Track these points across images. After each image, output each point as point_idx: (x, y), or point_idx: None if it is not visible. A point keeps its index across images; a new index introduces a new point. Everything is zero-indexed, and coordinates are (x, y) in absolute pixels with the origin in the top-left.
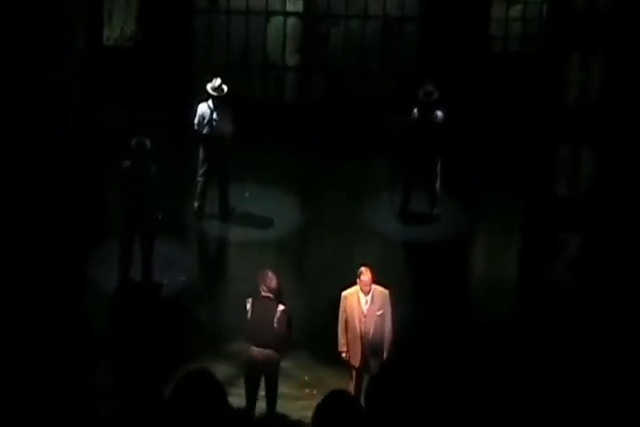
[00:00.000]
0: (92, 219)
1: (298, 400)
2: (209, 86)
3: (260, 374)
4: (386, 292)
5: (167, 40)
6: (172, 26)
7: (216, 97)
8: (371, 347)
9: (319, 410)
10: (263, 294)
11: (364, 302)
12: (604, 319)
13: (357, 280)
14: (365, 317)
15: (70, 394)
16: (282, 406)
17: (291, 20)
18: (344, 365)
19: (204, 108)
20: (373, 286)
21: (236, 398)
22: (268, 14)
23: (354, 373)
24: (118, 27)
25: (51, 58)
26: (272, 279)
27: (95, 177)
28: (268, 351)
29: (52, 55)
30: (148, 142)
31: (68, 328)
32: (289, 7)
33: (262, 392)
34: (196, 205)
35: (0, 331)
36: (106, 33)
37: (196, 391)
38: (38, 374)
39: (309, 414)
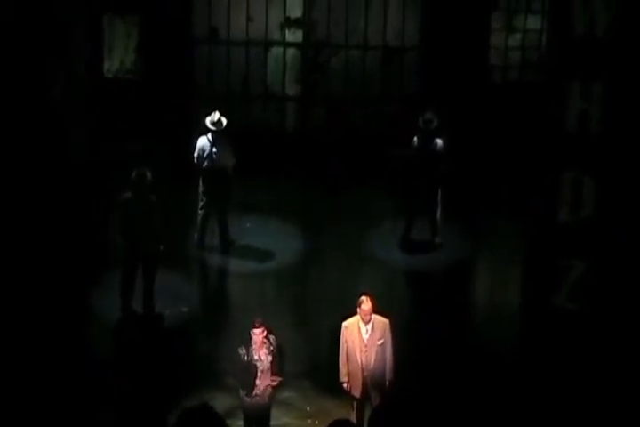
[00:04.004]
0: (94, 250)
1: None
2: (208, 120)
3: (254, 422)
4: (386, 321)
5: (167, 72)
6: (171, 57)
7: (215, 131)
8: (372, 377)
9: None
10: (254, 336)
11: (365, 332)
12: (609, 347)
13: (358, 309)
14: (366, 346)
15: (72, 425)
16: None
17: (290, 51)
18: (346, 395)
19: (203, 142)
20: (374, 316)
21: None
22: (268, 45)
23: (355, 403)
24: (118, 59)
25: (50, 91)
26: (259, 323)
27: (97, 208)
28: (260, 399)
29: (51, 88)
30: (148, 174)
31: (69, 358)
32: (288, 38)
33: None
34: (196, 236)
35: (3, 358)
36: (106, 65)
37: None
38: (39, 403)
39: None
